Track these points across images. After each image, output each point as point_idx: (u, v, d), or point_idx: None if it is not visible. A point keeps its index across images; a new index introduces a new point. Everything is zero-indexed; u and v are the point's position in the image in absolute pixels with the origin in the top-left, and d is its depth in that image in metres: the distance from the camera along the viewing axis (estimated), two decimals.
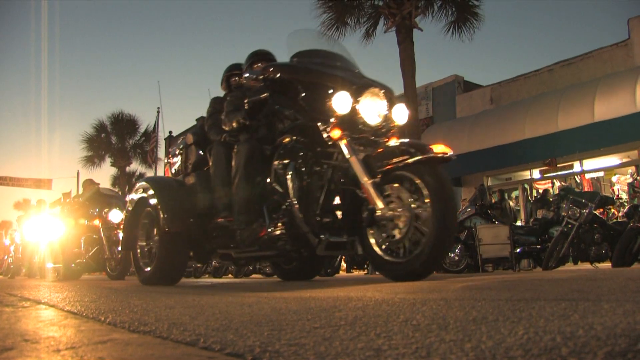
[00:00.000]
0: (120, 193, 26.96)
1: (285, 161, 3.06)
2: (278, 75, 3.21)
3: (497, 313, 1.05)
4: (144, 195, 3.97)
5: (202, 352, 0.82)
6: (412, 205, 2.63)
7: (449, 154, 2.60)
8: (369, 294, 1.86)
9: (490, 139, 11.91)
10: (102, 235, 7.19)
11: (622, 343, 0.67)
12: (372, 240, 2.81)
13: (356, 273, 10.82)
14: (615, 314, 0.94)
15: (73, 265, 7.25)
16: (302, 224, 2.90)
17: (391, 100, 3.02)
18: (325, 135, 2.92)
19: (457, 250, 7.91)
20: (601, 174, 11.72)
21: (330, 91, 2.88)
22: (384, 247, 2.76)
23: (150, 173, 26.78)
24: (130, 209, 4.17)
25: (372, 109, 2.88)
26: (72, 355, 0.84)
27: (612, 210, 9.90)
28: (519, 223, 11.03)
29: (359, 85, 2.92)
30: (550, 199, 7.75)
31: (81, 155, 26.84)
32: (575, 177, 11.65)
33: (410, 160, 2.58)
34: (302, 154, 3.03)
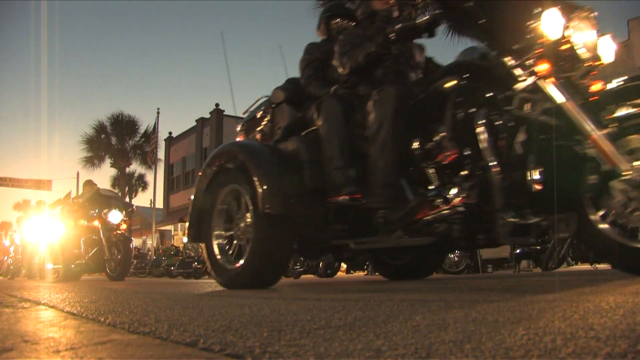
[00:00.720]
0: (120, 194, 27.00)
1: (470, 110, 2.26)
2: None
3: (496, 314, 1.05)
4: (229, 166, 3.05)
5: (201, 353, 0.82)
6: None
7: None
8: (368, 294, 1.86)
9: None
10: (101, 236, 7.19)
11: (622, 344, 0.67)
12: (597, 219, 2.03)
13: (356, 274, 10.82)
14: (616, 314, 0.94)
15: (73, 266, 7.26)
16: (501, 196, 2.11)
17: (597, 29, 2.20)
18: (518, 72, 2.13)
19: (457, 251, 7.92)
20: None
21: (526, 12, 2.08)
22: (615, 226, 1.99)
23: (150, 173, 26.91)
24: (202, 187, 3.18)
25: (584, 38, 2.11)
26: (71, 356, 0.84)
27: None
28: None
29: (564, 3, 2.10)
30: None
31: (81, 156, 26.88)
32: None
33: None
34: (490, 98, 2.25)
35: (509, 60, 2.15)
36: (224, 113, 25.71)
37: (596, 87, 2.13)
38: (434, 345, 0.75)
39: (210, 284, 4.52)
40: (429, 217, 2.34)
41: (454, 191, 2.26)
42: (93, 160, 26.83)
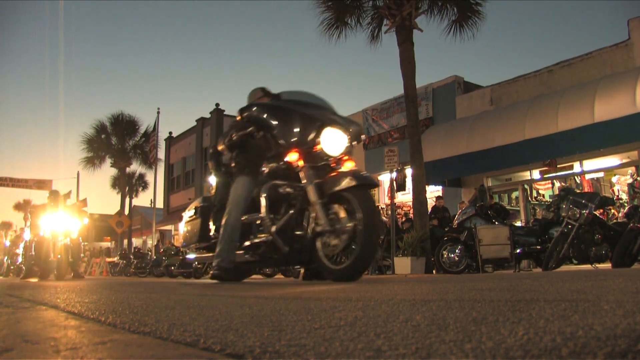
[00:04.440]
0: (120, 194, 26.95)
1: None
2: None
3: (497, 314, 1.05)
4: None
5: (202, 353, 0.82)
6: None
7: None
8: (369, 294, 1.86)
9: (490, 140, 11.91)
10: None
11: (622, 344, 0.67)
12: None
13: None
14: (615, 314, 0.94)
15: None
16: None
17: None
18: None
19: (457, 251, 7.91)
20: (601, 174, 11.71)
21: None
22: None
23: (150, 173, 26.88)
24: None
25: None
26: (72, 356, 0.84)
27: (612, 210, 9.90)
28: (518, 224, 11.02)
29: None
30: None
31: (81, 156, 26.85)
32: (575, 177, 11.65)
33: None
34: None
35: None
36: (224, 113, 25.71)
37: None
38: (435, 345, 0.75)
39: (210, 284, 4.51)
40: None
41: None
42: (93, 160, 26.81)
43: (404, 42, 10.57)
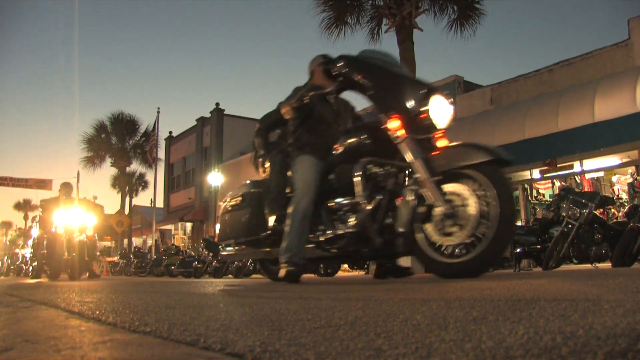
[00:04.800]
0: (120, 194, 26.94)
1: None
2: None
3: (497, 313, 1.05)
4: None
5: (202, 352, 0.82)
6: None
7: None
8: (369, 294, 1.86)
9: (490, 139, 11.90)
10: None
11: (622, 343, 0.67)
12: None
13: (356, 273, 10.82)
14: (615, 314, 0.94)
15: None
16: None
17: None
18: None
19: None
20: (601, 174, 11.71)
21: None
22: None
23: (150, 173, 26.88)
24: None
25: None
26: (72, 356, 0.84)
27: (612, 210, 9.89)
28: (519, 223, 11.02)
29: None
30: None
31: (81, 156, 26.86)
32: (576, 177, 11.65)
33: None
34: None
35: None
36: (225, 112, 25.71)
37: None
38: (435, 344, 0.75)
39: (210, 283, 4.52)
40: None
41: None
42: (93, 159, 26.82)
43: (404, 41, 10.57)
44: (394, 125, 2.93)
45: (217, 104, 25.64)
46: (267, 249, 4.02)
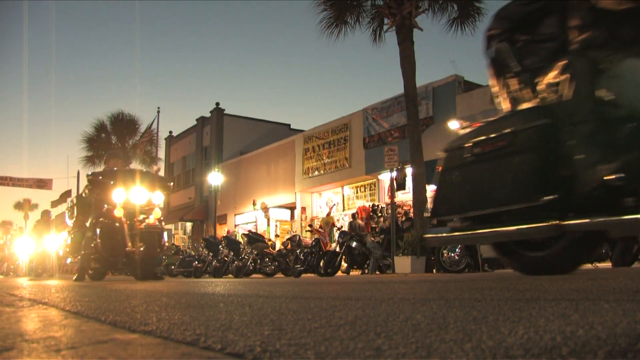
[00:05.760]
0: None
1: None
2: None
3: (497, 313, 1.05)
4: None
5: (202, 352, 0.82)
6: None
7: None
8: (369, 293, 1.86)
9: None
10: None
11: (622, 342, 0.67)
12: None
13: (356, 273, 10.82)
14: (616, 313, 0.94)
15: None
16: None
17: None
18: None
19: (457, 250, 7.92)
20: None
21: None
22: None
23: None
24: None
25: None
26: (72, 355, 0.84)
27: None
28: None
29: None
30: None
31: (81, 155, 26.85)
32: None
33: None
34: None
35: None
36: (225, 112, 25.72)
37: None
38: (435, 344, 0.75)
39: (210, 283, 4.51)
40: None
41: None
42: (93, 159, 26.80)
43: (404, 41, 10.57)
44: None
45: (217, 104, 25.68)
46: (555, 222, 2.34)
